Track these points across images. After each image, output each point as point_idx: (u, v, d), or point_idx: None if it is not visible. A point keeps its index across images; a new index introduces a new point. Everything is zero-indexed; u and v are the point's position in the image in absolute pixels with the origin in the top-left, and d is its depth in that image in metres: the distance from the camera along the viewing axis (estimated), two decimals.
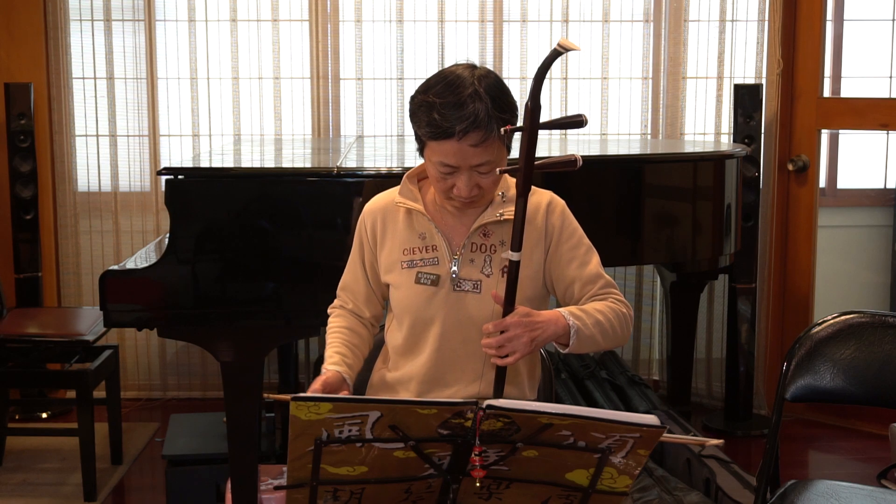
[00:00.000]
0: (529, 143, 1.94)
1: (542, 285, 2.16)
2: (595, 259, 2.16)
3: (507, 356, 1.97)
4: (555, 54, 1.87)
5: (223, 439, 3.34)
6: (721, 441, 1.91)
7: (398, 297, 2.17)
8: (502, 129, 2.00)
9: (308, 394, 1.94)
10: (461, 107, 1.97)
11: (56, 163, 4.56)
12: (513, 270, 1.97)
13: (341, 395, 2.06)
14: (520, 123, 1.98)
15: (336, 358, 2.15)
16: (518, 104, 2.07)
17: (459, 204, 2.11)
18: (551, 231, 2.15)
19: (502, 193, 2.15)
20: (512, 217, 2.10)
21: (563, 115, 4.58)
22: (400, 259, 2.16)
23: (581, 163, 1.95)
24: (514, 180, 2.08)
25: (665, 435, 1.69)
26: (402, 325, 2.17)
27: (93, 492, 3.58)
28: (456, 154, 2.00)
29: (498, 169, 2.05)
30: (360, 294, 2.25)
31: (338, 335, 2.22)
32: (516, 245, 1.97)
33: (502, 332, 1.97)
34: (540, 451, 1.69)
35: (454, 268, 2.12)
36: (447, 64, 4.47)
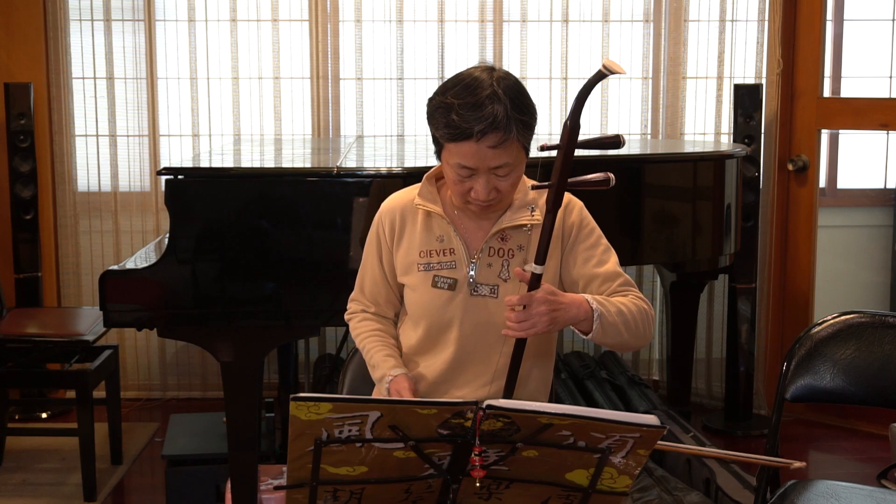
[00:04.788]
0: (565, 162, 1.94)
1: (559, 286, 2.14)
2: (613, 258, 2.15)
3: (525, 329, 1.95)
4: (599, 76, 1.86)
5: (223, 439, 3.34)
6: (803, 463, 1.88)
7: (415, 300, 2.16)
8: (539, 147, 2.00)
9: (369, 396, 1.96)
10: (479, 107, 1.95)
11: (56, 163, 4.56)
12: (534, 283, 1.97)
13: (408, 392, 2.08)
14: (554, 138, 1.96)
15: (392, 362, 2.16)
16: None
17: (477, 207, 2.08)
18: (569, 231, 2.14)
19: (527, 200, 2.14)
20: (530, 222, 2.11)
21: (563, 114, 4.58)
22: (416, 261, 2.15)
23: (614, 182, 1.96)
24: (530, 183, 2.09)
25: (737, 454, 1.66)
26: (419, 326, 2.16)
27: (93, 492, 3.58)
28: (474, 156, 1.98)
29: (531, 184, 2.05)
30: (381, 297, 2.24)
31: (376, 339, 2.21)
32: (541, 258, 1.97)
33: (525, 307, 1.95)
34: (540, 451, 1.69)
35: (472, 272, 2.11)
36: (447, 64, 4.54)
